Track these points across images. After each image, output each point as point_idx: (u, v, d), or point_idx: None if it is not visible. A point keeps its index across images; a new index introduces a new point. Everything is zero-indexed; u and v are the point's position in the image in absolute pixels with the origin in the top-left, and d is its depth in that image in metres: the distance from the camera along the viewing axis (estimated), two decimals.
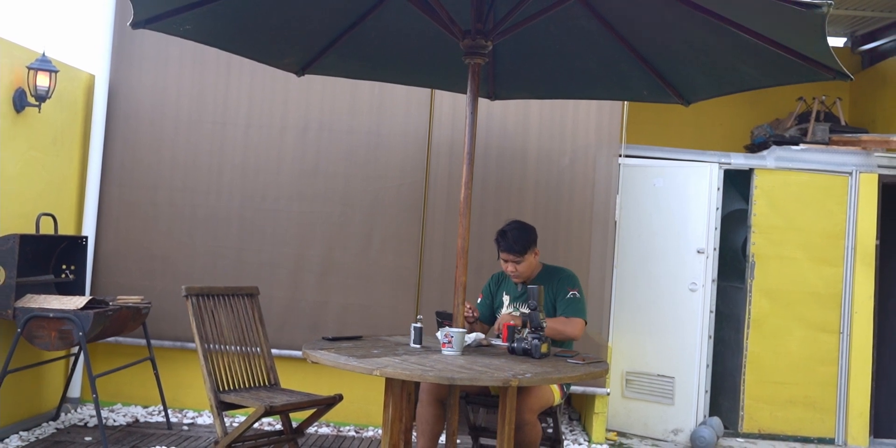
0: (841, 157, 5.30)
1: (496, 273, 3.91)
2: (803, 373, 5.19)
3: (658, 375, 5.11)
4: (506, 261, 3.63)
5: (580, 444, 4.79)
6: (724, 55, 3.47)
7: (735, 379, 5.28)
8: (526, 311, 3.56)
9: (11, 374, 3.98)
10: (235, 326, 3.78)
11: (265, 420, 4.65)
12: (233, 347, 3.71)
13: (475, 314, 3.55)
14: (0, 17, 4.99)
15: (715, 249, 5.09)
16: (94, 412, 4.67)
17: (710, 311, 5.07)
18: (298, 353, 4.59)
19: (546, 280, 3.66)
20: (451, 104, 4.85)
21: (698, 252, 5.08)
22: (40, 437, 4.20)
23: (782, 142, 5.51)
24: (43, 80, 4.17)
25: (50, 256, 4.39)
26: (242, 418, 4.59)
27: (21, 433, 4.21)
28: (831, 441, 5.19)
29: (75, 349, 4.55)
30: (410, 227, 4.85)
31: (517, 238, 3.59)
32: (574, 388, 4.75)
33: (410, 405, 3.24)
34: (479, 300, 3.89)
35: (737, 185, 5.49)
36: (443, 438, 3.48)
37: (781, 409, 5.20)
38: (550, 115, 4.88)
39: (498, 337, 3.61)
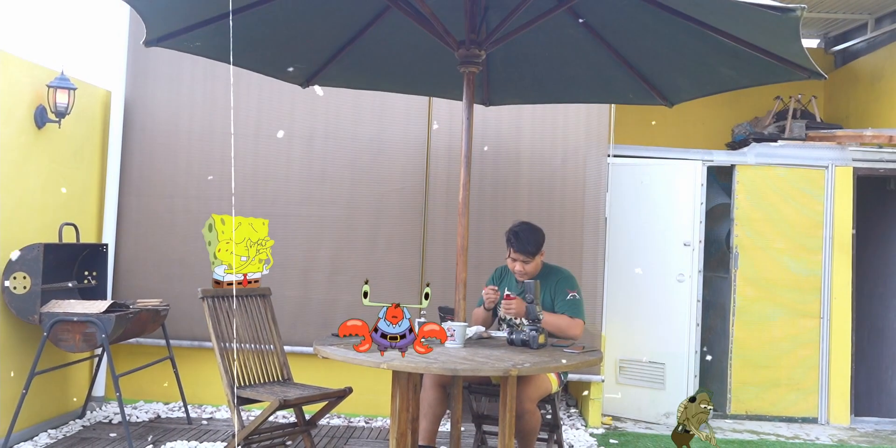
0: (817, 151, 5.29)
1: (499, 267, 3.86)
2: (786, 356, 5.18)
3: (650, 362, 5.09)
4: (515, 260, 3.57)
5: (577, 428, 4.78)
6: (704, 58, 3.45)
7: (722, 364, 5.26)
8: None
9: (39, 375, 3.96)
10: (249, 325, 3.77)
11: (280, 413, 4.63)
12: (247, 345, 3.70)
13: (496, 295, 3.56)
14: (20, 39, 4.97)
15: (700, 242, 5.07)
16: (118, 410, 4.66)
17: (698, 301, 5.05)
18: (310, 349, 4.57)
19: (544, 278, 3.60)
20: (447, 111, 4.83)
21: (685, 245, 5.06)
22: (68, 435, 4.19)
23: (762, 139, 5.50)
24: (62, 98, 4.15)
25: (72, 264, 4.37)
26: (258, 412, 4.57)
27: (49, 431, 4.20)
28: (814, 420, 5.17)
29: (99, 350, 4.53)
30: (412, 227, 4.83)
31: (529, 239, 3.52)
32: (571, 376, 4.73)
33: (416, 396, 3.21)
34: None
35: (720, 180, 5.48)
36: (447, 426, 3.47)
37: (767, 391, 5.18)
38: (542, 119, 4.86)
39: (500, 329, 3.59)
